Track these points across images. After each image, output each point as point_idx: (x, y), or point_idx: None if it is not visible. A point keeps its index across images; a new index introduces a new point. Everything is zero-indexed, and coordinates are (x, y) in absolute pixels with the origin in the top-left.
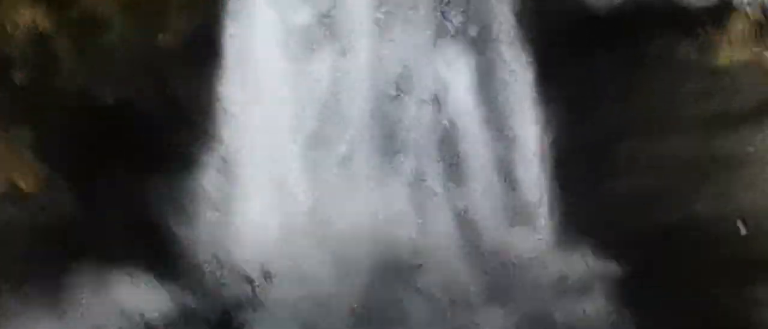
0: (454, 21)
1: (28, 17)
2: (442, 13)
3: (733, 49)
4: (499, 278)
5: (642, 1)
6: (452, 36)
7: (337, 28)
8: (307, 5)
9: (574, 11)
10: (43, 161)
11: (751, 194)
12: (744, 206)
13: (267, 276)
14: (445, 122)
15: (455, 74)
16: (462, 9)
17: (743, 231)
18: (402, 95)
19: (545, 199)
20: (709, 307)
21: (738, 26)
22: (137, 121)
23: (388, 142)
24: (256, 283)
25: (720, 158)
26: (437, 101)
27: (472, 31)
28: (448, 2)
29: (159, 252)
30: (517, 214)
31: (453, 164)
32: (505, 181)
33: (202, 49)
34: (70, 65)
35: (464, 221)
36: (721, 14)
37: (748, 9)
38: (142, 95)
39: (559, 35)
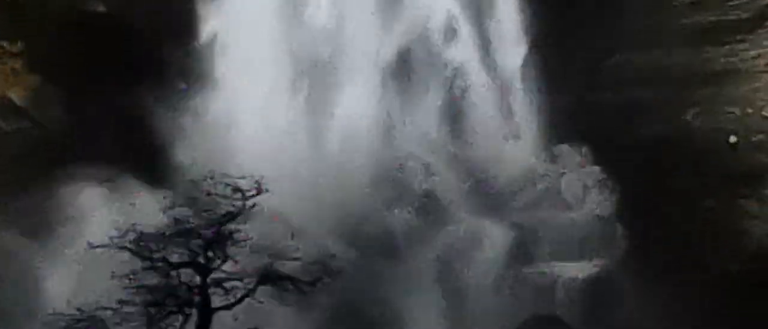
0: None
1: None
2: None
3: None
4: (489, 187)
5: None
6: None
7: None
8: None
9: None
10: (35, 74)
11: (739, 108)
12: (733, 120)
13: (260, 189)
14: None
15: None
16: None
17: (733, 141)
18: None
19: (535, 110)
20: (699, 219)
21: None
22: (128, 32)
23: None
24: (249, 196)
25: (710, 71)
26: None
27: None
28: None
29: (151, 164)
30: (509, 127)
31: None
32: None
33: None
34: None
35: (458, 134)
36: None
37: None
38: (133, 6)
39: None
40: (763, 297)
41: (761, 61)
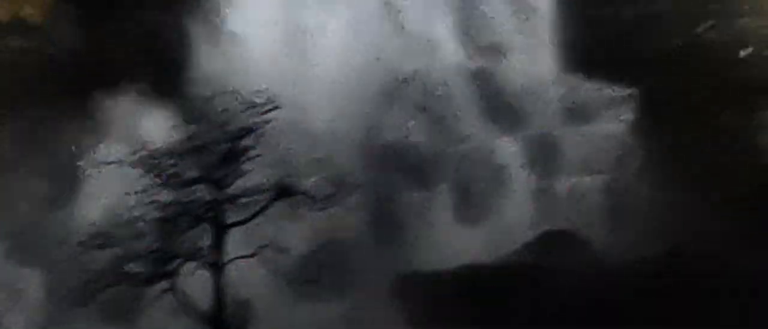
0: None
1: None
2: None
3: None
4: (505, 101)
5: None
6: None
7: None
8: None
9: None
10: None
11: (753, 19)
12: (745, 31)
13: (274, 105)
14: None
15: None
16: None
17: (744, 54)
18: None
19: (552, 22)
20: (714, 130)
21: None
22: None
23: None
24: (263, 111)
25: None
26: None
27: None
28: None
29: (166, 81)
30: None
31: None
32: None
33: None
34: None
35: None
36: None
37: None
38: None
39: None
40: None
41: None
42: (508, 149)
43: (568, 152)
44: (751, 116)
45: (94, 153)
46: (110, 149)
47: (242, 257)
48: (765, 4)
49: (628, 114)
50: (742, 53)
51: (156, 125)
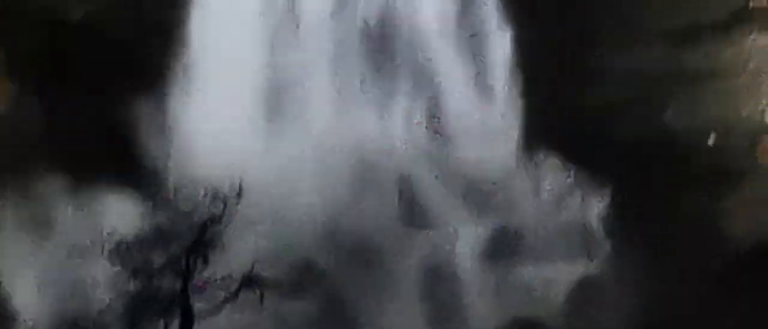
0: None
1: None
2: None
3: None
4: (476, 191)
5: None
6: None
7: None
8: None
9: None
10: (14, 78)
11: (719, 107)
12: (712, 119)
13: (239, 192)
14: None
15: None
16: None
17: (712, 141)
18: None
19: (518, 112)
20: (681, 217)
21: None
22: (104, 37)
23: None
24: (229, 199)
25: (688, 71)
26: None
27: None
28: None
29: (130, 169)
30: (492, 128)
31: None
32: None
33: None
34: None
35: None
36: None
37: None
38: (109, 12)
39: None
40: (743, 295)
41: (738, 62)
42: (474, 235)
43: (534, 240)
44: (716, 201)
45: (59, 242)
46: (73, 239)
47: None
48: (728, 95)
49: (593, 201)
50: (710, 141)
51: (122, 215)
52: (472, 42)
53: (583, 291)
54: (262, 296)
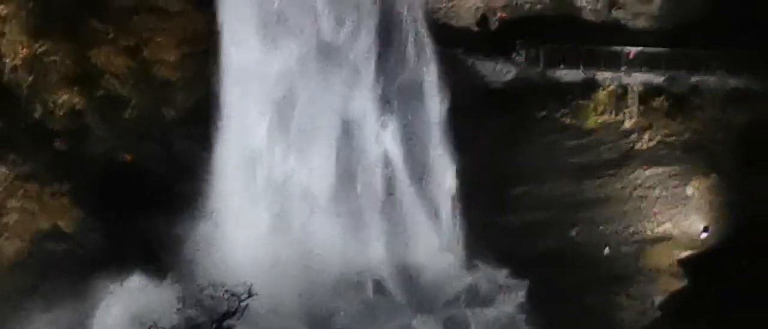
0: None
1: (66, 98)
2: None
3: (598, 114)
4: (425, 289)
5: (527, 78)
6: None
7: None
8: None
9: (480, 85)
10: (79, 207)
11: (611, 226)
12: (607, 235)
13: (251, 293)
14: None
15: (390, 136)
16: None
17: (606, 252)
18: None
19: (461, 229)
20: (586, 310)
21: (601, 97)
22: (147, 175)
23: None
24: (243, 298)
25: (588, 198)
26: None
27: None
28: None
29: (166, 274)
30: (441, 242)
31: (388, 202)
32: (428, 217)
33: (200, 121)
34: (98, 135)
35: (398, 247)
36: (588, 88)
37: (608, 84)
38: (151, 156)
39: (470, 102)
40: None
41: (626, 191)
42: (425, 325)
43: (475, 325)
44: (611, 297)
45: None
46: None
47: None
48: (619, 216)
49: (517, 298)
50: (606, 251)
51: (159, 309)
52: (423, 180)
53: None
54: None
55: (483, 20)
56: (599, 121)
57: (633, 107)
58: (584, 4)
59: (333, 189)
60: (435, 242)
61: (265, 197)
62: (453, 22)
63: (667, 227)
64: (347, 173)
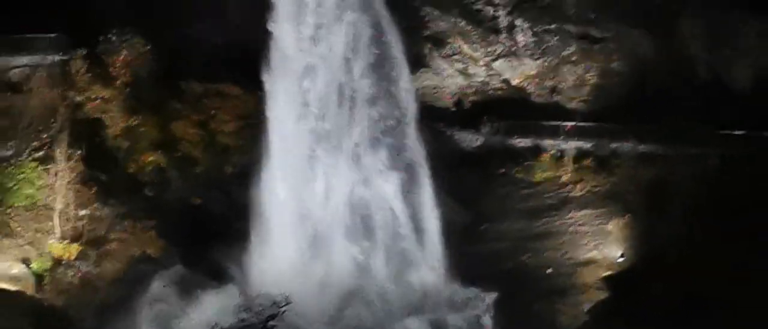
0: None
1: (152, 158)
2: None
3: (542, 171)
4: (416, 298)
5: (491, 144)
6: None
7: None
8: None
9: (456, 150)
10: (163, 239)
11: (554, 253)
12: (550, 260)
13: (288, 301)
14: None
15: (390, 186)
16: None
17: (549, 272)
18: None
19: (443, 255)
20: (534, 315)
21: (545, 159)
22: (212, 215)
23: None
24: (282, 305)
25: (538, 232)
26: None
27: (399, 163)
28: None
29: (226, 287)
30: (428, 264)
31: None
32: (419, 246)
33: (252, 175)
34: (176, 185)
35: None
36: (536, 152)
37: (550, 149)
38: (214, 201)
39: (449, 162)
40: None
41: (564, 227)
42: (416, 324)
43: None
44: (554, 306)
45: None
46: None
47: None
48: (560, 245)
49: (484, 306)
50: (549, 271)
51: (221, 313)
52: (416, 219)
53: None
54: None
55: (459, 102)
56: (544, 176)
57: (568, 165)
58: (533, 90)
59: (354, 226)
60: (424, 264)
61: (297, 231)
62: (436, 104)
63: (594, 253)
64: (363, 217)
